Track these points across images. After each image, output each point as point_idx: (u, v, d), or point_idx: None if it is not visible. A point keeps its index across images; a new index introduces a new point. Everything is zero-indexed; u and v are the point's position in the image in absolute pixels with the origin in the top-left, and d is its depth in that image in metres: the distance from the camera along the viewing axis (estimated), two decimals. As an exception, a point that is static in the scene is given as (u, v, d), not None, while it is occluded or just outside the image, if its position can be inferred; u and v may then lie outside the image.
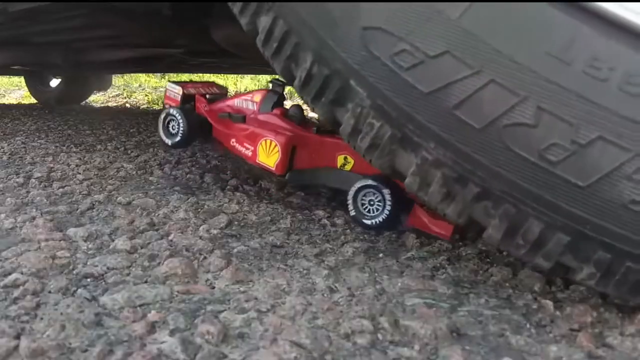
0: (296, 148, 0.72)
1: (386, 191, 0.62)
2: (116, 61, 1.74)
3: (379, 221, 0.62)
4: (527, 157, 0.40)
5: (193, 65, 1.83)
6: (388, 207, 0.61)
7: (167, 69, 2.39)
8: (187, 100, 0.84)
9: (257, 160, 0.73)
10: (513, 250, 0.42)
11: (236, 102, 0.82)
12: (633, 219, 0.38)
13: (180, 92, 0.83)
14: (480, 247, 0.59)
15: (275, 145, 0.70)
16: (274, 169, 0.71)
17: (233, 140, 0.77)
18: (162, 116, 0.82)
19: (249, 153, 0.74)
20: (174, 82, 0.86)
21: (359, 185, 0.64)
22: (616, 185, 0.38)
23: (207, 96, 0.86)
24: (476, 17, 0.41)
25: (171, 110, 0.81)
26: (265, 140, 0.72)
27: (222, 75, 3.37)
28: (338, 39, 0.46)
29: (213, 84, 0.94)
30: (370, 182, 0.63)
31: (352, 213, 0.64)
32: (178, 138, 0.81)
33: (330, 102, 0.48)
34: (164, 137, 0.83)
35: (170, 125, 0.82)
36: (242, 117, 0.77)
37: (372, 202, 0.64)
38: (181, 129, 0.80)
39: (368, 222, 0.63)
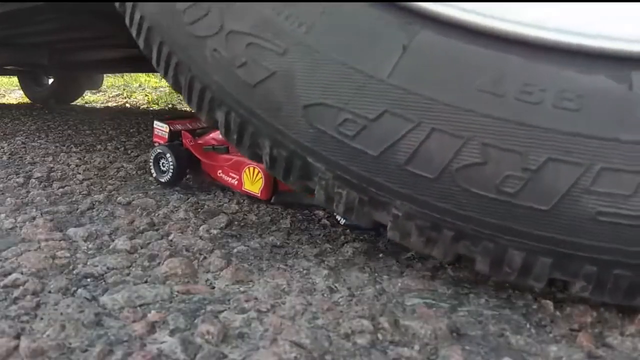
0: None
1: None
2: (103, 61, 1.75)
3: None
4: (486, 195, 0.40)
5: None
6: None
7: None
8: (175, 137, 0.86)
9: (243, 188, 0.75)
10: (505, 277, 0.43)
11: (219, 134, 0.83)
12: (605, 229, 0.38)
13: (167, 130, 0.86)
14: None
15: (259, 172, 0.73)
16: (259, 195, 0.73)
17: (219, 171, 0.79)
18: (152, 155, 0.85)
19: (235, 182, 0.76)
20: (160, 121, 0.88)
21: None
22: (578, 201, 0.38)
23: (196, 130, 0.88)
24: (404, 72, 0.42)
25: (160, 149, 0.84)
26: (249, 168, 0.74)
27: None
28: (286, 122, 0.47)
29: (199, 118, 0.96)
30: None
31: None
32: (169, 175, 0.83)
33: (298, 179, 0.50)
34: (155, 175, 0.85)
35: (161, 163, 0.84)
36: (225, 148, 0.79)
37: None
38: (171, 166, 0.82)
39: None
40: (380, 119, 0.43)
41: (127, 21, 0.63)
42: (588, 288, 0.40)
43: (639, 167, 0.37)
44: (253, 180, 0.73)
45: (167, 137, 0.86)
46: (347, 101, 0.44)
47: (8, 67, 2.07)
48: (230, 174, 0.76)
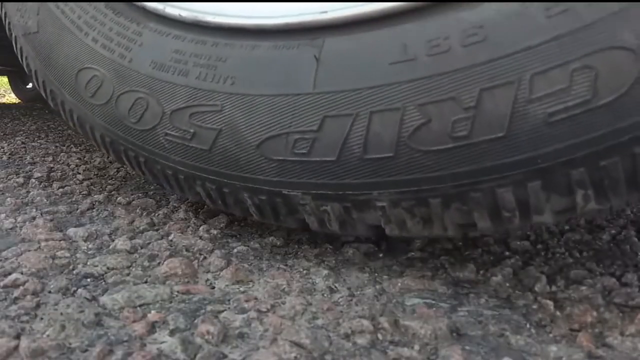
0: None
1: None
2: None
3: None
4: (444, 147, 0.42)
5: None
6: None
7: None
8: None
9: None
10: (509, 224, 0.44)
11: None
12: (564, 127, 0.39)
13: None
14: (481, 247, 0.59)
15: None
16: None
17: None
18: None
19: None
20: None
21: None
22: (527, 113, 0.39)
23: None
24: (324, 79, 0.47)
25: None
26: None
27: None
28: (249, 168, 0.50)
29: None
30: None
31: None
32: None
33: (289, 216, 0.52)
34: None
35: None
36: None
37: None
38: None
39: None
40: (324, 126, 0.45)
41: None
42: (589, 196, 0.41)
43: (564, 59, 0.38)
44: None
45: None
46: (291, 124, 0.47)
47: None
48: None
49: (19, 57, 0.74)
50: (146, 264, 0.52)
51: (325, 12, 0.48)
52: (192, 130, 0.53)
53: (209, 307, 0.43)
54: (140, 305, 0.43)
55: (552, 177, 0.40)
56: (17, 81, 2.92)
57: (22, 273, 0.48)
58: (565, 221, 0.70)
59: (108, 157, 1.09)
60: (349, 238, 0.61)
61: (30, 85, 2.88)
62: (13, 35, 0.74)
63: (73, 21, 0.64)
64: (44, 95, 0.72)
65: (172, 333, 0.39)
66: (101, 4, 0.63)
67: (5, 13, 0.75)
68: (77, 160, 1.06)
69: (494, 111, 0.40)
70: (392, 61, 0.43)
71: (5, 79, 4.14)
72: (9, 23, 0.74)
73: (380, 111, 0.43)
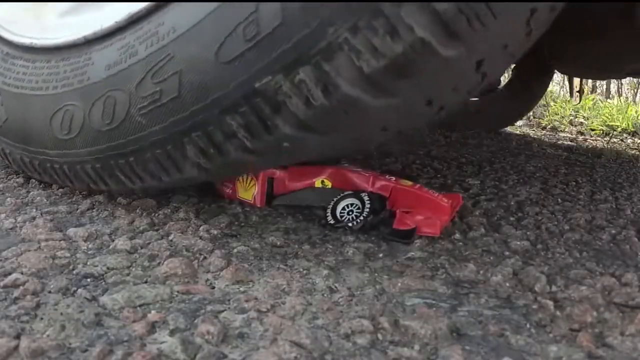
0: (273, 179, 0.74)
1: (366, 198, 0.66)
2: None
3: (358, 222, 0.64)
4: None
5: None
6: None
7: None
8: None
9: (238, 196, 0.75)
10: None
11: None
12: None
13: None
14: (481, 247, 0.59)
15: (252, 179, 0.73)
16: (252, 201, 0.73)
17: (218, 183, 0.78)
18: None
19: (229, 191, 0.76)
20: None
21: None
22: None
23: None
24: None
25: None
26: (242, 176, 0.74)
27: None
28: None
29: None
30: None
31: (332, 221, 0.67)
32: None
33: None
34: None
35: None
36: None
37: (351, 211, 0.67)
38: None
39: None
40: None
41: None
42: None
43: None
44: (246, 188, 0.73)
45: None
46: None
47: None
48: (225, 182, 0.76)
49: None
50: (146, 264, 0.52)
51: None
52: None
53: (209, 307, 0.43)
54: (140, 305, 0.43)
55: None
56: None
57: (22, 273, 0.48)
58: (565, 221, 0.70)
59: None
60: (348, 238, 0.61)
61: None
62: None
63: None
64: None
65: (172, 333, 0.39)
66: None
67: None
68: (77, 160, 1.06)
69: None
70: None
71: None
72: None
73: None
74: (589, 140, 2.23)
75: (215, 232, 0.62)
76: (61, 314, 0.40)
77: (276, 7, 0.45)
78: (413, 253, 0.57)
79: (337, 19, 0.43)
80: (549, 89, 2.49)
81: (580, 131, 2.52)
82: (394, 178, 0.70)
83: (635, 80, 4.60)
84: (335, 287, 0.48)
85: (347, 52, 0.43)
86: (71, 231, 0.60)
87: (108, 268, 0.51)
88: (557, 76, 3.27)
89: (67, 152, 0.64)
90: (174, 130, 0.54)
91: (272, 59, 0.46)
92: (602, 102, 3.41)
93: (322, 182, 0.73)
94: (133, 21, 0.57)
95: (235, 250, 0.57)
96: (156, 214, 0.69)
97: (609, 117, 2.71)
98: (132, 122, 0.56)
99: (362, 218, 0.63)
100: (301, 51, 0.45)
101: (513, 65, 1.85)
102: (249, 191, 0.73)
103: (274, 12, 0.45)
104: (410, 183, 0.69)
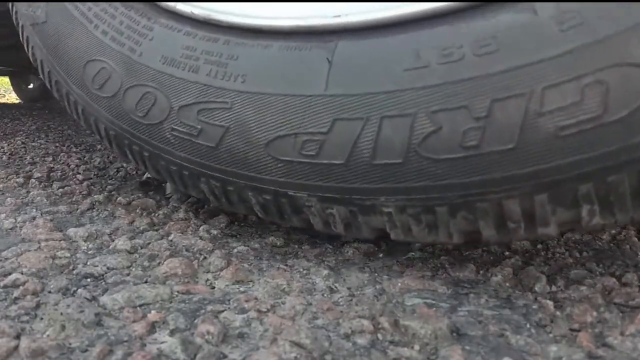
0: None
1: None
2: None
3: None
4: (454, 156, 0.42)
5: None
6: None
7: None
8: None
9: None
10: (513, 235, 0.44)
11: None
12: (573, 140, 0.39)
13: None
14: (481, 247, 0.59)
15: None
16: None
17: None
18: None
19: None
20: None
21: None
22: (537, 126, 0.40)
23: None
24: (337, 81, 0.46)
25: None
26: None
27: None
28: (256, 167, 0.50)
29: None
30: None
31: None
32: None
33: (294, 215, 0.52)
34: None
35: None
36: None
37: None
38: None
39: None
40: (333, 129, 0.45)
41: None
42: (595, 210, 0.41)
43: (577, 73, 0.38)
44: None
45: None
46: (300, 125, 0.47)
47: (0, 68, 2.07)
48: None
49: (25, 46, 0.73)
50: (146, 264, 0.52)
51: (339, 16, 0.48)
52: (199, 127, 0.52)
53: (209, 307, 0.43)
54: (140, 305, 0.43)
55: (560, 191, 0.40)
56: (19, 81, 2.92)
57: (22, 273, 0.48)
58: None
59: (110, 153, 1.09)
60: (349, 238, 0.61)
61: (31, 86, 2.88)
62: (20, 25, 0.73)
63: (83, 13, 0.64)
64: (48, 85, 0.72)
65: (172, 333, 0.39)
66: None
67: (12, 2, 0.75)
68: (77, 160, 1.06)
69: (504, 122, 0.39)
70: (406, 67, 0.43)
71: (6, 79, 4.15)
72: (16, 12, 0.74)
73: (391, 117, 0.43)
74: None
75: (215, 232, 0.62)
76: (61, 314, 0.40)
77: None
78: (413, 253, 0.57)
79: None
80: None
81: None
82: None
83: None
84: (335, 287, 0.48)
85: None
86: (71, 231, 0.60)
87: (108, 268, 0.51)
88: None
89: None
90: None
91: None
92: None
93: None
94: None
95: (235, 250, 0.57)
96: (156, 214, 0.69)
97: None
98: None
99: None
100: None
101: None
102: None
103: None
104: None
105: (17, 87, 2.94)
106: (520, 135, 0.39)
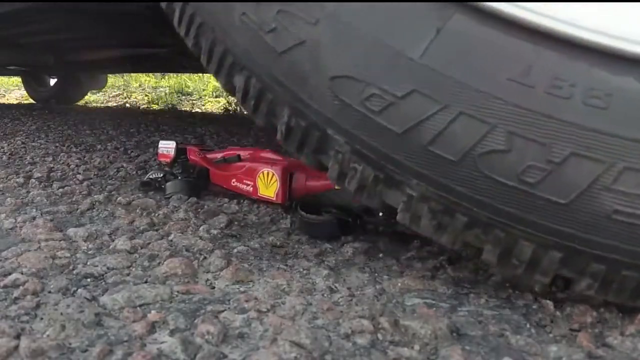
0: (294, 175, 0.73)
1: None
2: (106, 60, 1.75)
3: None
4: (506, 182, 0.40)
5: (182, 65, 1.85)
6: None
7: (156, 69, 2.41)
8: (180, 154, 0.87)
9: (258, 194, 0.74)
10: (510, 270, 0.43)
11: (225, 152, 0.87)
12: (619, 228, 0.38)
13: (174, 147, 0.87)
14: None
15: (273, 175, 0.72)
16: (274, 198, 0.72)
17: (233, 180, 0.78)
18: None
19: (250, 189, 0.75)
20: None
21: None
22: (597, 197, 0.38)
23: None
24: (437, 54, 0.42)
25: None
26: (263, 173, 0.73)
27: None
28: (310, 92, 0.47)
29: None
30: None
31: None
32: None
33: (313, 152, 0.49)
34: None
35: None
36: (236, 157, 0.80)
37: None
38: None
39: None
40: (408, 98, 0.43)
41: None
42: (594, 286, 0.40)
43: None
44: (268, 185, 0.73)
45: (173, 154, 0.86)
46: (376, 77, 0.44)
47: (11, 68, 2.07)
48: (245, 181, 0.76)
49: None
50: (146, 264, 0.52)
51: None
52: (273, 25, 0.48)
53: (209, 307, 0.43)
54: (140, 305, 0.43)
55: (575, 259, 0.40)
56: (31, 81, 2.90)
57: (22, 273, 0.48)
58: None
59: (110, 153, 1.09)
60: (348, 238, 0.61)
61: (46, 86, 2.85)
62: None
63: None
64: None
65: (172, 333, 0.39)
66: None
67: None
68: (77, 160, 1.06)
69: (570, 178, 0.39)
70: (511, 77, 0.40)
71: (5, 79, 4.15)
72: None
73: (469, 116, 0.41)
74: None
75: (215, 232, 0.62)
76: (61, 314, 0.40)
77: None
78: (413, 253, 0.57)
79: None
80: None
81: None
82: None
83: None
84: (335, 287, 0.48)
85: None
86: (71, 231, 0.60)
87: (108, 268, 0.51)
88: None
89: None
90: None
91: None
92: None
93: None
94: None
95: (235, 250, 0.57)
96: (156, 214, 0.69)
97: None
98: None
99: None
100: None
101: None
102: (271, 188, 0.72)
103: None
104: None
105: (30, 87, 2.91)
106: (576, 198, 0.39)
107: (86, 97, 3.09)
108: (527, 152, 0.39)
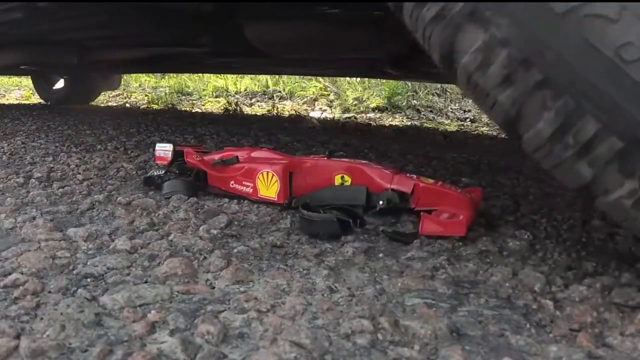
0: (293, 175, 0.73)
1: None
2: (129, 60, 1.72)
3: None
4: (601, 51, 0.38)
5: (206, 64, 1.82)
6: None
7: (180, 69, 2.38)
8: (177, 157, 0.87)
9: (258, 195, 0.74)
10: (558, 150, 0.40)
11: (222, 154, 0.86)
12: None
13: (171, 150, 0.86)
14: (480, 247, 0.59)
15: (273, 176, 0.72)
16: (276, 199, 0.72)
17: (232, 182, 0.78)
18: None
19: (250, 190, 0.75)
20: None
21: None
22: None
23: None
24: None
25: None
26: (262, 173, 0.73)
27: (222, 75, 3.36)
28: None
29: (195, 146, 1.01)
30: None
31: None
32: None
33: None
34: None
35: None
36: (234, 158, 0.79)
37: None
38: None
39: None
40: None
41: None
42: (636, 193, 0.38)
43: None
44: (268, 186, 0.73)
45: (170, 157, 0.86)
46: None
47: (23, 67, 2.04)
48: (244, 182, 0.76)
49: None
50: (146, 264, 0.52)
51: None
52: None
53: (209, 307, 0.43)
54: (140, 305, 0.43)
55: (634, 156, 0.37)
56: (41, 82, 2.87)
57: (22, 273, 0.48)
58: (564, 221, 0.70)
59: (110, 153, 1.08)
60: (348, 238, 0.61)
61: (56, 86, 2.82)
62: None
63: None
64: None
65: (172, 333, 0.39)
66: None
67: None
68: (77, 160, 1.06)
69: None
70: None
71: (5, 79, 4.15)
72: None
73: None
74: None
75: (215, 232, 0.62)
76: (61, 314, 0.40)
77: None
78: (413, 253, 0.57)
79: None
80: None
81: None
82: (415, 176, 0.70)
83: None
84: (335, 287, 0.48)
85: None
86: (71, 231, 0.60)
87: (108, 268, 0.51)
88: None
89: None
90: None
91: None
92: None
93: (342, 177, 0.72)
94: None
95: (235, 250, 0.57)
96: (156, 214, 0.69)
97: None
98: None
99: None
100: None
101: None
102: (271, 189, 0.72)
103: None
104: (432, 181, 0.69)
105: (40, 87, 2.89)
106: None
107: (86, 97, 3.08)
108: (632, 28, 0.37)
